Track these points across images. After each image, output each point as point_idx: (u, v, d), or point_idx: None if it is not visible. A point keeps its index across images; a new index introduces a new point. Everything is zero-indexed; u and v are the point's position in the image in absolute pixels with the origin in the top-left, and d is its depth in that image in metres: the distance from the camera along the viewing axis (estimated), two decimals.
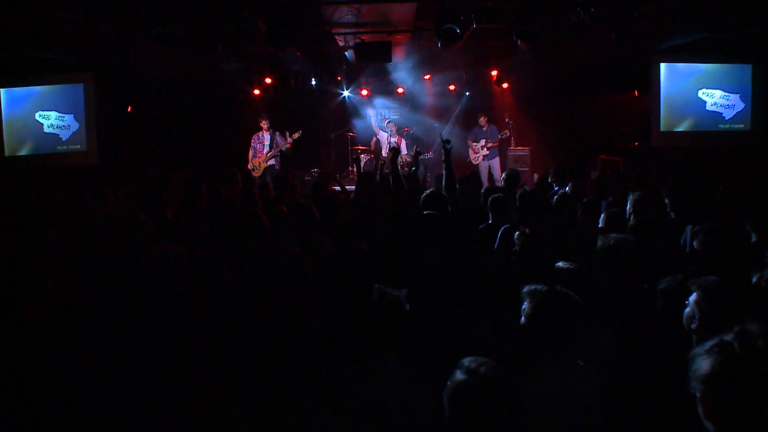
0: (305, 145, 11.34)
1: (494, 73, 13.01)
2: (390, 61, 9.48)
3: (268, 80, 12.85)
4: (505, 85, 13.38)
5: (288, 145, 10.95)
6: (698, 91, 10.76)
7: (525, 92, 13.44)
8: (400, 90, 13.90)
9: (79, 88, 10.60)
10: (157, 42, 8.09)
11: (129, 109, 12.70)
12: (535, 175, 12.34)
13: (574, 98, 13.43)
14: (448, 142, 5.62)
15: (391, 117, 14.10)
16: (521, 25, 6.76)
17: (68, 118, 10.79)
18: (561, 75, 12.70)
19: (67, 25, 7.51)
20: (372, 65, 13.20)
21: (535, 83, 13.10)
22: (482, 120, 12.12)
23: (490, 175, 11.86)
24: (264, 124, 11.03)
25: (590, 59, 10.64)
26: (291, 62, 12.01)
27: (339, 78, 13.03)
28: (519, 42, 6.88)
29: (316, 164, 13.41)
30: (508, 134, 12.22)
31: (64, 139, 10.82)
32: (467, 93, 13.90)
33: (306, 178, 12.92)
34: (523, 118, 13.24)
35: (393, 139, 12.15)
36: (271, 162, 11.04)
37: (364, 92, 13.86)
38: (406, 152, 12.11)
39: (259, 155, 11.06)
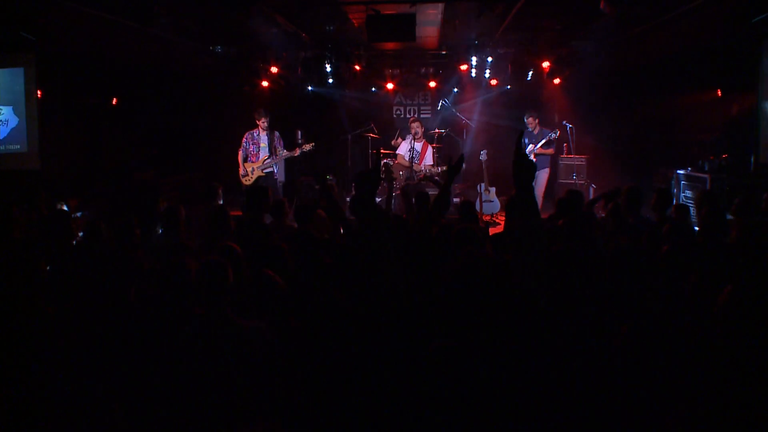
0: (318, 147, 9.39)
1: (546, 64, 10.68)
2: (413, 39, 7.21)
3: (273, 69, 10.80)
4: (556, 81, 11.07)
5: (295, 154, 9.22)
6: None
7: (583, 89, 11.09)
8: (432, 84, 11.71)
9: (19, 73, 8.43)
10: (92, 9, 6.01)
11: (114, 101, 11.15)
12: (592, 189, 10.14)
13: (642, 97, 11.15)
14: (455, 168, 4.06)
15: (420, 116, 11.97)
16: None
17: (6, 111, 8.66)
18: (628, 68, 10.38)
19: None
20: (398, 55, 11.11)
21: (596, 78, 10.85)
22: (531, 121, 9.75)
23: None
24: (262, 123, 9.03)
25: (671, 47, 8.35)
26: (296, 47, 9.94)
27: (358, 68, 10.81)
28: (602, 5, 4.64)
29: (330, 170, 11.49)
30: (556, 136, 9.68)
31: (1, 138, 8.73)
32: (508, 86, 11.58)
33: (316, 186, 10.98)
34: (579, 120, 10.85)
35: (417, 145, 9.93)
36: (268, 170, 9.07)
37: (390, 86, 11.74)
38: (431, 162, 9.89)
39: (253, 158, 9.09)
